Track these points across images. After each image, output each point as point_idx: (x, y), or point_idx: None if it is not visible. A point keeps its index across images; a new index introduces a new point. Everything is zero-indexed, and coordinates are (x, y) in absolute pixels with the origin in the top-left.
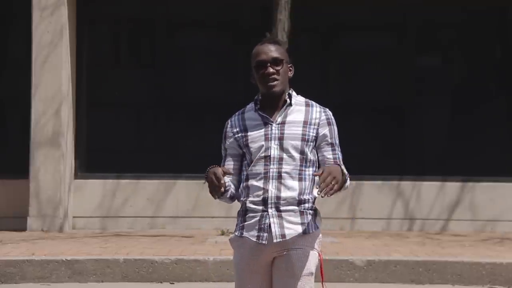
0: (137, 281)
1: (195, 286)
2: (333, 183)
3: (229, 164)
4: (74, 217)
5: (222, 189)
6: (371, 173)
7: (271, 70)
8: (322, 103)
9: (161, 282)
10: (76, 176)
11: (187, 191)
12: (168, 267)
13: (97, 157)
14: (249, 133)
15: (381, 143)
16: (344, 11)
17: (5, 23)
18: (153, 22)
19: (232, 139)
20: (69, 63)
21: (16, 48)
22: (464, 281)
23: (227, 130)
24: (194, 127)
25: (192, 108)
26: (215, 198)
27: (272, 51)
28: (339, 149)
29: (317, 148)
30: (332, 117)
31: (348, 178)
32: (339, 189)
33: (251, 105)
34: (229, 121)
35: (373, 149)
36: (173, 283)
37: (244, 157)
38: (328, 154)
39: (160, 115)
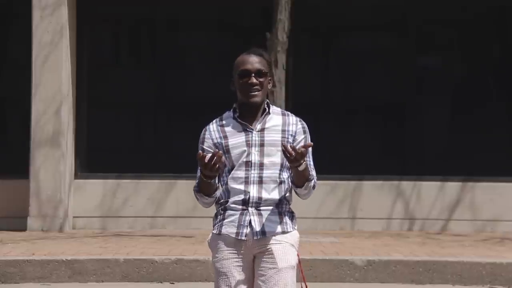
0: (137, 281)
1: (195, 286)
2: (294, 155)
3: None
4: (74, 217)
5: (218, 166)
6: (371, 173)
7: (254, 80)
8: (323, 103)
9: (161, 282)
10: (76, 176)
11: (187, 191)
12: (168, 267)
13: (97, 157)
14: (229, 140)
15: (381, 143)
16: (344, 11)
17: (5, 23)
18: (153, 22)
19: (211, 144)
20: (69, 63)
21: (16, 48)
22: (464, 281)
23: (205, 136)
24: (194, 127)
25: (192, 108)
26: (208, 182)
27: (257, 62)
28: (311, 157)
29: None
30: (306, 127)
31: (313, 181)
32: (297, 165)
33: (228, 113)
34: (206, 128)
35: (373, 149)
36: (173, 283)
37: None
38: None
39: (160, 115)
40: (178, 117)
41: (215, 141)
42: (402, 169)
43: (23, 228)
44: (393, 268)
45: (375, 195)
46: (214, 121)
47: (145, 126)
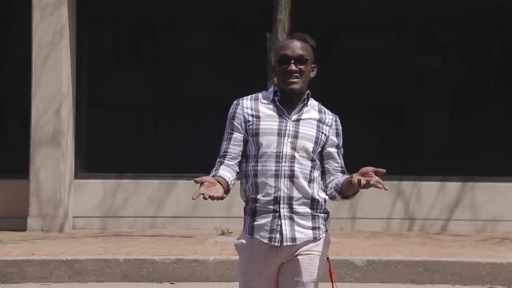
0: (137, 281)
1: (195, 286)
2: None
3: (233, 149)
4: (74, 217)
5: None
6: None
7: (293, 67)
8: (322, 103)
9: (161, 282)
10: (76, 176)
11: (187, 191)
12: (168, 267)
13: (97, 157)
14: (261, 122)
15: (381, 143)
16: (344, 11)
17: (5, 23)
18: (153, 22)
19: (241, 122)
20: (69, 63)
21: (16, 48)
22: (464, 281)
23: (237, 110)
24: (194, 127)
25: (192, 108)
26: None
27: (299, 48)
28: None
29: (324, 153)
30: (341, 128)
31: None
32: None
33: (266, 94)
34: (239, 102)
35: (373, 149)
36: (173, 283)
37: (246, 143)
38: (336, 161)
39: (160, 115)
40: (178, 117)
41: (246, 118)
42: (402, 169)
43: (23, 228)
44: (393, 268)
45: (375, 195)
46: (248, 96)
47: (145, 126)
